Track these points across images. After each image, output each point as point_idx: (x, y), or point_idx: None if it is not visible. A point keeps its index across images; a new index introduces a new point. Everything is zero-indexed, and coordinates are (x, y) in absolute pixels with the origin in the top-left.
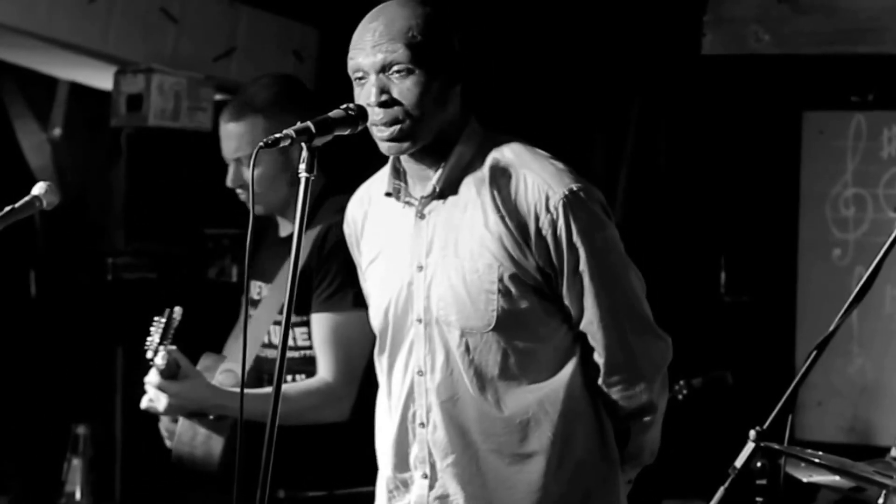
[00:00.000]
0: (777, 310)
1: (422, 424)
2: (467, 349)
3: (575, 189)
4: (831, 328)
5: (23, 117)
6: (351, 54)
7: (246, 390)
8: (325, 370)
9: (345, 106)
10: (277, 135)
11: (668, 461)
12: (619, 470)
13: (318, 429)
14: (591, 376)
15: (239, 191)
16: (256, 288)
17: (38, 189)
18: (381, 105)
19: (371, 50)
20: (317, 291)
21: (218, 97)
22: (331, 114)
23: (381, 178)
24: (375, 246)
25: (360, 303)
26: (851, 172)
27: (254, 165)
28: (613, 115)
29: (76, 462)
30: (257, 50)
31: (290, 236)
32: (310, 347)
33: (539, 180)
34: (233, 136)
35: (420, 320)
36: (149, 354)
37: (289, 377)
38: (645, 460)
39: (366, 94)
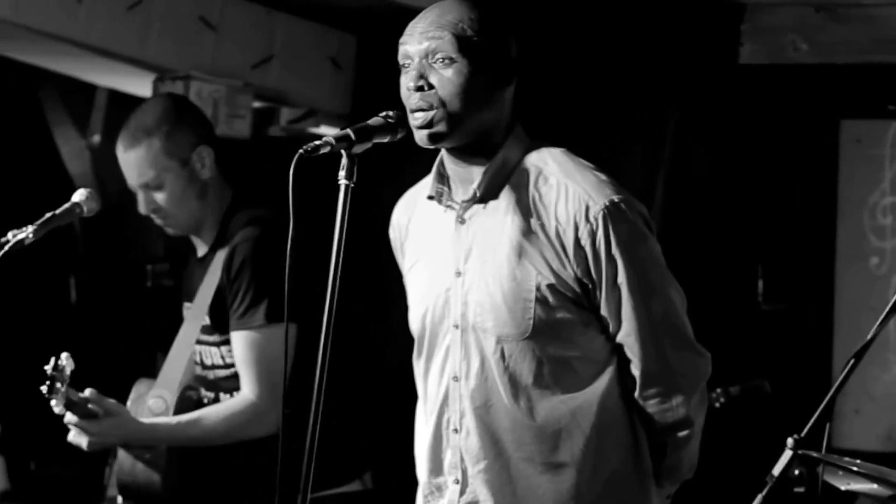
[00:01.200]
0: (814, 318)
1: (455, 430)
2: (502, 356)
3: (616, 200)
4: (869, 336)
5: (62, 124)
6: (401, 41)
7: (173, 418)
8: (247, 388)
9: (384, 113)
10: (317, 142)
11: (705, 469)
12: (653, 484)
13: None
14: (628, 388)
15: (153, 216)
16: (186, 309)
17: (79, 196)
18: (417, 89)
19: (419, 37)
20: (231, 310)
21: (256, 104)
22: (370, 121)
23: (426, 184)
24: (417, 250)
25: (273, 317)
26: (889, 181)
27: (293, 174)
28: (651, 123)
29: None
30: (295, 57)
31: (206, 256)
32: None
33: (580, 190)
34: (132, 163)
35: (457, 326)
36: (52, 404)
37: (226, 396)
38: (683, 475)
39: (406, 80)
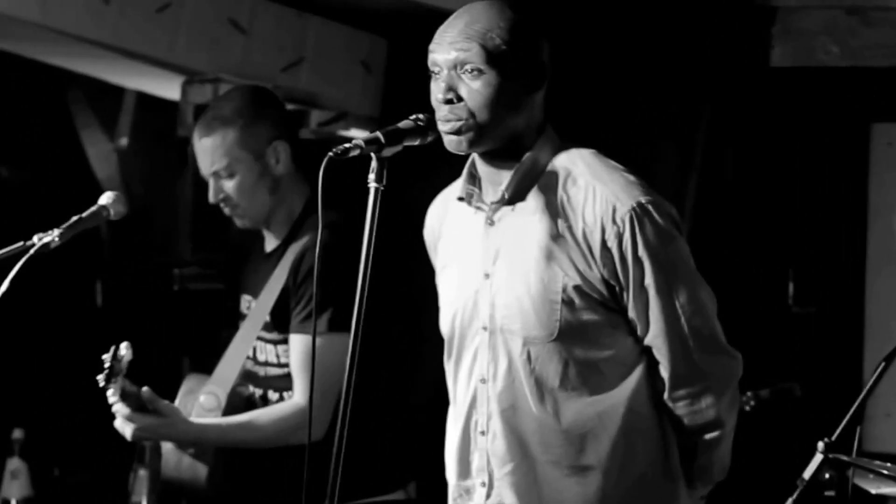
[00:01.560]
0: (845, 321)
1: (482, 433)
2: (529, 358)
3: (643, 202)
4: None
5: (90, 127)
6: (430, 49)
7: (223, 420)
8: (298, 393)
9: (414, 116)
10: (346, 145)
11: (736, 473)
12: (682, 486)
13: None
14: (658, 390)
15: (222, 205)
16: (245, 302)
17: (106, 199)
18: (447, 102)
19: (447, 46)
20: (294, 312)
21: (286, 107)
22: (400, 124)
23: (457, 185)
24: (449, 252)
25: (336, 325)
26: None
27: (323, 177)
28: (682, 126)
29: (142, 472)
30: (325, 60)
31: (275, 251)
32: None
33: (607, 192)
34: (207, 151)
35: (485, 328)
36: (108, 394)
37: (275, 395)
38: (715, 477)
39: (435, 90)
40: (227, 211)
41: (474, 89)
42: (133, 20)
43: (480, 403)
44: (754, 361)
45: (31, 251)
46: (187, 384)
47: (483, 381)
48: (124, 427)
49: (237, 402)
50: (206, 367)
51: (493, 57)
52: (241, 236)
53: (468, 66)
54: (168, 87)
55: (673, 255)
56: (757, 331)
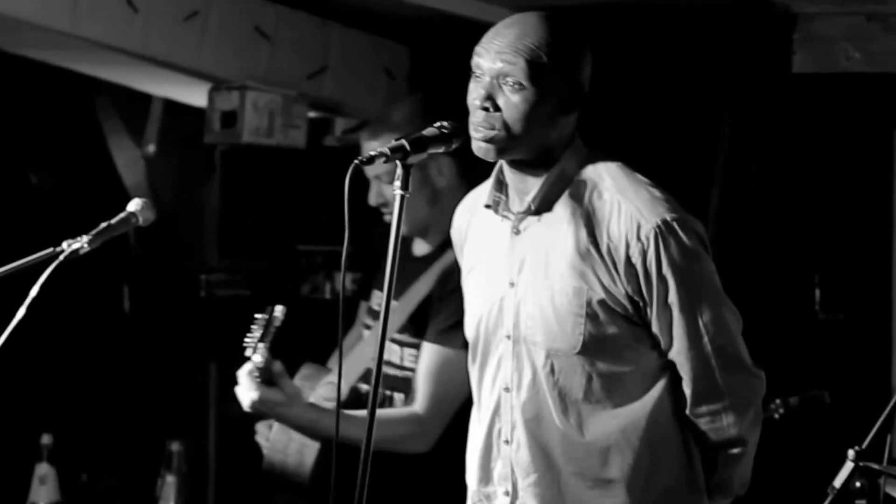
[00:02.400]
0: (872, 327)
1: (506, 441)
2: (552, 371)
3: (668, 219)
4: None
5: (117, 134)
6: (477, 50)
7: (343, 411)
8: (419, 401)
9: (439, 124)
10: (373, 153)
11: (766, 481)
12: (706, 500)
13: (399, 456)
14: (682, 403)
15: (382, 209)
16: (378, 299)
17: (134, 205)
18: (483, 109)
19: (494, 55)
20: (433, 321)
21: (311, 114)
22: (425, 132)
23: (487, 188)
24: (474, 255)
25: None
26: None
27: (349, 185)
28: (705, 132)
29: (170, 479)
30: (349, 68)
31: (427, 257)
32: (413, 370)
33: (632, 208)
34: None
35: (509, 337)
36: (248, 352)
37: (387, 392)
38: (735, 492)
39: (474, 93)
40: (386, 217)
41: (513, 102)
42: (161, 28)
43: (504, 412)
44: (782, 369)
45: (61, 257)
46: (304, 371)
47: (507, 389)
48: (245, 397)
49: (349, 397)
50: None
51: (536, 74)
52: (382, 239)
53: (510, 80)
54: (195, 95)
55: (697, 273)
56: (784, 338)
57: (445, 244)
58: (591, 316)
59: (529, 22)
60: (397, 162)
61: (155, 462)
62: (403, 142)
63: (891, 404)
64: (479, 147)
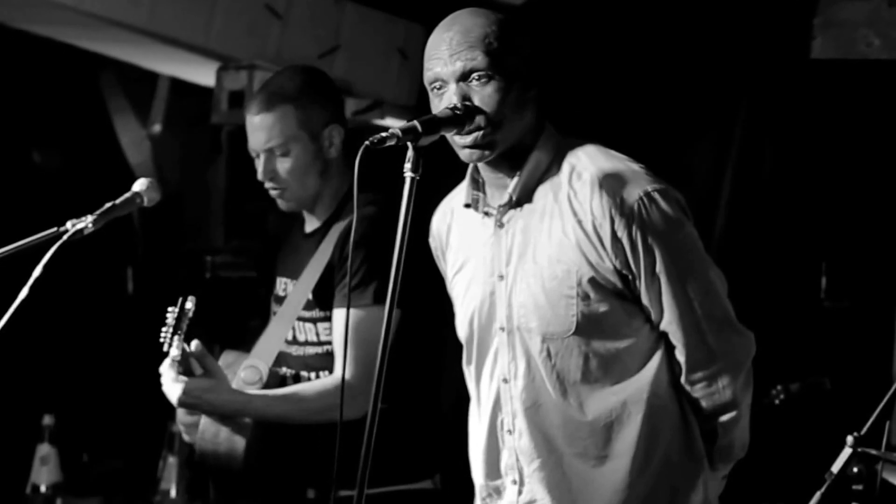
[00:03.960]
0: (877, 316)
1: (509, 431)
2: (549, 355)
3: (650, 190)
4: None
5: (122, 113)
6: (427, 65)
7: (266, 391)
8: (340, 367)
9: (452, 105)
10: (383, 134)
11: (765, 466)
12: (705, 467)
13: (353, 427)
14: (677, 373)
15: (269, 184)
16: (282, 284)
17: (140, 185)
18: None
19: (449, 59)
20: (338, 287)
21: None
22: (438, 113)
23: (462, 190)
24: (459, 257)
25: (381, 298)
26: None
27: (359, 165)
28: (720, 117)
29: (171, 460)
30: (362, 47)
31: (318, 231)
32: (331, 342)
33: (614, 183)
34: (263, 127)
35: (503, 329)
36: (165, 347)
37: (311, 374)
38: (736, 455)
39: (446, 103)
40: (273, 192)
41: (487, 95)
42: (169, 6)
43: (504, 403)
44: (785, 355)
45: (65, 237)
46: (224, 359)
47: (505, 381)
48: (172, 392)
49: (271, 382)
50: (239, 348)
51: (496, 61)
52: (279, 226)
53: (476, 74)
54: (202, 74)
55: (682, 240)
56: (789, 324)
57: (335, 214)
58: (583, 296)
59: (464, 18)
60: (409, 143)
61: (157, 443)
62: (416, 123)
63: (891, 391)
64: (470, 154)
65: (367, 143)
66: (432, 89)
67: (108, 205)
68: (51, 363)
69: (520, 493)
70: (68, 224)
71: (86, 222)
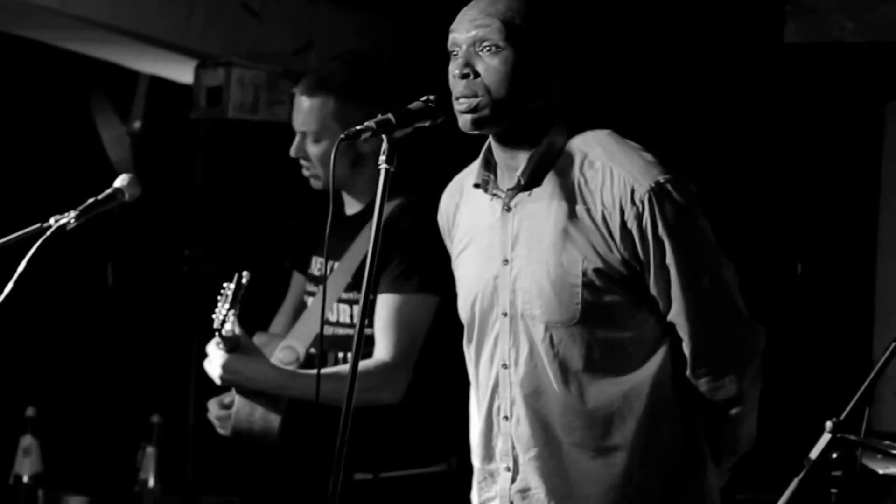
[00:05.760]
0: (855, 301)
1: (506, 418)
2: (552, 343)
3: (661, 181)
4: None
5: (104, 110)
6: (451, 28)
7: (308, 371)
8: (383, 351)
9: (425, 98)
10: (359, 127)
11: (743, 453)
12: (708, 462)
13: (369, 410)
14: (682, 366)
15: (302, 162)
16: (318, 264)
17: (121, 181)
18: (463, 77)
19: (467, 25)
20: (385, 272)
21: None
22: (411, 106)
23: (473, 170)
24: (465, 238)
25: (425, 286)
26: None
27: (335, 156)
28: (692, 103)
29: (150, 450)
30: (336, 44)
31: (357, 214)
32: (369, 326)
33: (625, 172)
34: (303, 109)
35: (505, 314)
36: (216, 324)
37: (339, 354)
38: (742, 449)
39: (452, 68)
40: (305, 171)
41: (492, 65)
42: (148, 5)
43: (503, 388)
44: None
45: (48, 233)
46: (258, 339)
47: (505, 366)
48: (214, 370)
49: (308, 362)
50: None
51: (511, 34)
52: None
53: (487, 43)
54: (181, 71)
55: (694, 232)
56: (766, 309)
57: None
58: (588, 285)
59: None
60: (384, 136)
61: (136, 434)
62: (390, 116)
63: (870, 376)
64: (465, 121)
65: (341, 136)
66: (450, 53)
67: (90, 200)
68: (34, 356)
69: (513, 480)
70: (52, 220)
71: (68, 218)
